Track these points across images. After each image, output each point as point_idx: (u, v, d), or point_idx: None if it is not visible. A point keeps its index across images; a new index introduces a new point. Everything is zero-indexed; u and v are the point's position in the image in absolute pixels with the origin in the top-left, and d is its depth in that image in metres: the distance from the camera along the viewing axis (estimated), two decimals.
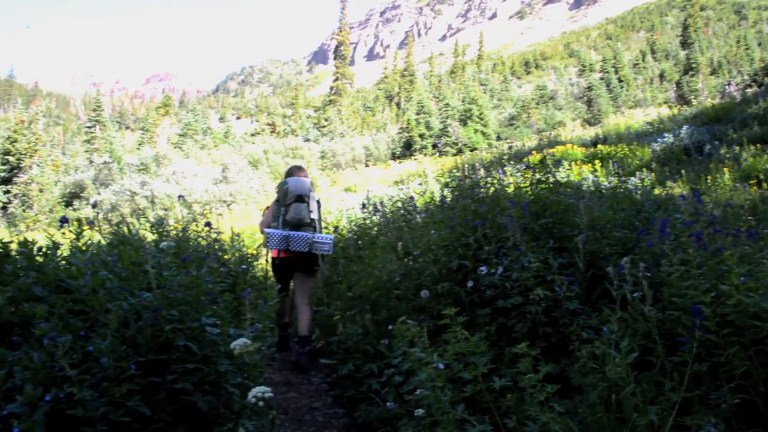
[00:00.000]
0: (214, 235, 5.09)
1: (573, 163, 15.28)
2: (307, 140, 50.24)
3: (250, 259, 6.45)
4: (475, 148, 38.23)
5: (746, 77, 43.66)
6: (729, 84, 41.54)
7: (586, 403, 2.83)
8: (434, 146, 42.41)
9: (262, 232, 6.31)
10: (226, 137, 59.04)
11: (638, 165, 14.70)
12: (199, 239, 5.06)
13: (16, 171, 33.01)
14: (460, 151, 38.42)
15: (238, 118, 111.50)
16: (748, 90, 33.74)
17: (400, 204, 7.42)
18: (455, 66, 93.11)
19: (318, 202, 6.46)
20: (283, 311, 6.52)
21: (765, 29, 75.13)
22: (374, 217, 8.30)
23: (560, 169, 10.86)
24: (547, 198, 4.58)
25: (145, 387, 2.70)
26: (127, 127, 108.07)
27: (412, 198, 7.36)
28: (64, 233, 3.57)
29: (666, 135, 17.49)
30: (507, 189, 5.06)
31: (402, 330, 3.19)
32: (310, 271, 6.28)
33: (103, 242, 4.32)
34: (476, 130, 41.77)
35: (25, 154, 33.17)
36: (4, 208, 31.42)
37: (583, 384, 2.93)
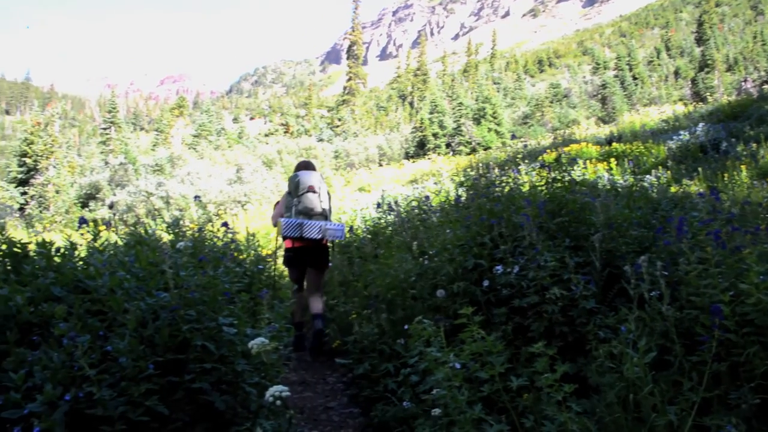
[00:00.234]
0: (230, 236, 5.11)
1: (588, 161, 15.19)
2: (321, 140, 50.32)
3: (267, 260, 6.47)
4: (489, 147, 38.09)
5: (763, 73, 43.28)
6: (745, 80, 41.11)
7: (604, 403, 2.82)
8: (448, 145, 42.30)
9: (275, 224, 6.59)
10: (240, 138, 59.24)
11: (654, 163, 14.58)
12: (215, 239, 5.08)
13: (32, 172, 33.30)
14: (473, 150, 38.32)
15: (251, 118, 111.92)
16: (765, 86, 33.39)
17: (415, 203, 7.45)
18: (468, 65, 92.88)
19: (328, 193, 6.67)
20: (297, 310, 6.57)
21: None
22: (389, 217, 8.32)
23: (575, 167, 10.81)
24: (562, 197, 4.56)
25: (163, 386, 2.72)
26: (142, 129, 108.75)
27: (427, 197, 7.36)
28: (82, 234, 3.60)
29: (681, 133, 17.33)
30: (522, 188, 5.04)
31: (418, 329, 3.19)
32: (323, 264, 6.50)
33: (120, 243, 4.35)
34: (490, 129, 41.63)
35: (41, 156, 33.46)
36: (22, 209, 31.69)
37: (600, 383, 2.91)
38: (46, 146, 33.70)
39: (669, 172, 12.02)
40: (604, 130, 29.23)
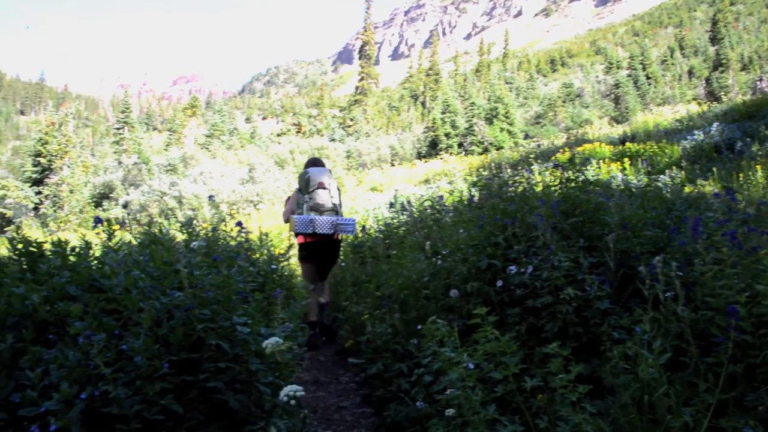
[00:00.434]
0: (243, 236, 5.13)
1: (601, 161, 15.14)
2: (333, 140, 50.37)
3: (279, 259, 6.50)
4: (501, 147, 38.01)
5: None
6: (760, 80, 40.76)
7: (618, 404, 2.80)
8: (460, 145, 42.24)
9: (286, 220, 6.90)
10: (253, 137, 59.46)
11: (667, 163, 14.51)
12: (229, 239, 5.10)
13: (47, 172, 33.54)
14: (486, 150, 38.24)
15: (264, 118, 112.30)
16: None
17: (428, 203, 7.46)
18: (480, 64, 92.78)
19: (338, 188, 6.92)
20: (312, 309, 6.62)
21: None
22: (402, 217, 8.33)
23: (589, 167, 10.77)
24: (576, 197, 4.54)
25: (177, 385, 2.73)
26: (155, 128, 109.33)
27: (441, 197, 7.37)
28: (98, 233, 3.62)
29: (696, 132, 17.22)
30: (535, 188, 5.03)
31: (432, 329, 3.19)
32: (333, 258, 6.86)
33: (134, 242, 4.37)
34: (502, 129, 41.53)
35: (55, 156, 33.68)
36: (36, 208, 31.93)
37: (614, 384, 2.90)
38: (61, 146, 33.92)
39: (683, 172, 11.96)
40: (618, 130, 29.10)
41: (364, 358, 4.99)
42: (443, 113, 46.25)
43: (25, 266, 3.32)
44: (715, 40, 57.24)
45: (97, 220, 3.64)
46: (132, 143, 46.36)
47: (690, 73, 60.82)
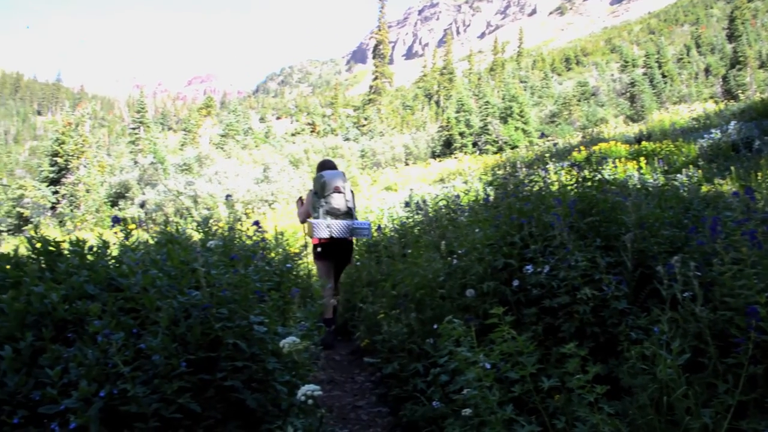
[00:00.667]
0: (259, 235, 5.14)
1: (617, 160, 15.06)
2: (347, 139, 50.48)
3: (295, 258, 6.53)
4: (516, 146, 37.91)
5: None
6: None
7: (636, 405, 2.78)
8: (474, 144, 42.19)
9: (302, 221, 7.23)
10: (267, 137, 59.63)
11: (684, 162, 14.40)
12: (245, 238, 5.12)
13: (64, 172, 33.82)
14: (500, 149, 38.17)
15: (278, 118, 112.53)
16: None
17: (444, 203, 7.47)
18: (495, 63, 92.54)
19: (351, 190, 7.05)
20: (327, 307, 6.70)
21: None
22: (417, 216, 8.33)
23: (605, 166, 10.71)
24: (593, 196, 4.52)
25: (195, 384, 2.74)
26: (170, 128, 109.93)
27: (457, 196, 7.37)
28: (116, 232, 3.65)
29: (713, 131, 17.08)
30: (551, 187, 5.01)
31: (448, 329, 3.18)
32: (347, 259, 7.11)
33: (151, 241, 4.40)
34: (517, 128, 41.42)
35: (72, 156, 33.96)
36: (53, 207, 32.21)
37: (632, 385, 2.88)
38: (77, 146, 34.19)
39: (700, 171, 11.87)
40: (633, 129, 28.93)
41: (379, 358, 4.99)
42: (457, 112, 46.19)
43: (43, 265, 3.35)
44: (732, 37, 56.80)
45: (115, 220, 3.66)
46: (147, 143, 46.68)
47: (707, 71, 60.31)
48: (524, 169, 6.08)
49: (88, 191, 33.34)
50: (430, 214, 7.47)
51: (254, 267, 3.75)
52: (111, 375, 2.53)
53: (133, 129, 52.08)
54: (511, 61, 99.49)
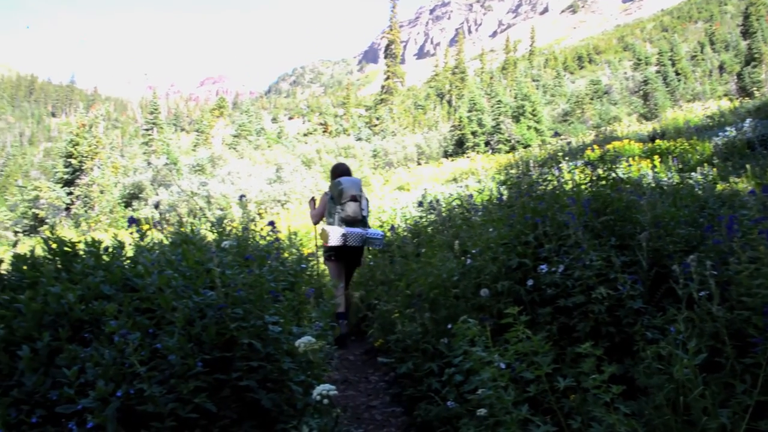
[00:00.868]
0: (273, 235, 5.15)
1: (631, 158, 14.98)
2: (359, 139, 50.52)
3: (308, 258, 6.55)
4: (529, 145, 37.80)
5: None
6: None
7: (652, 405, 2.77)
8: (487, 143, 42.10)
9: (315, 223, 7.46)
10: (279, 137, 59.75)
11: (699, 160, 14.29)
12: (259, 239, 5.13)
13: (78, 173, 34.08)
14: (513, 149, 38.08)
15: (290, 118, 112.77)
16: None
17: (458, 202, 7.48)
18: (507, 62, 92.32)
19: (367, 200, 7.26)
20: (340, 303, 6.86)
21: None
22: (430, 216, 8.34)
23: (619, 165, 10.67)
24: (607, 195, 4.50)
25: (210, 384, 2.75)
26: (183, 129, 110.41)
27: (471, 196, 7.37)
28: (131, 233, 3.66)
29: (728, 129, 16.95)
30: (565, 186, 4.99)
31: (463, 329, 3.18)
32: (357, 263, 7.31)
33: (165, 242, 4.42)
34: (529, 127, 41.30)
35: (86, 157, 34.21)
36: (68, 208, 32.46)
37: (648, 385, 2.86)
38: (91, 147, 34.43)
39: (715, 169, 11.77)
40: (647, 127, 28.77)
41: (393, 357, 4.99)
42: (470, 111, 46.10)
43: (60, 266, 3.37)
44: (747, 34, 56.22)
45: (132, 221, 3.69)
46: (161, 144, 46.91)
47: (721, 68, 59.84)
48: (537, 169, 6.06)
49: (102, 192, 33.58)
50: (444, 214, 7.48)
51: (269, 267, 3.76)
52: (127, 375, 2.55)
53: (146, 130, 52.37)
54: (523, 59, 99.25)
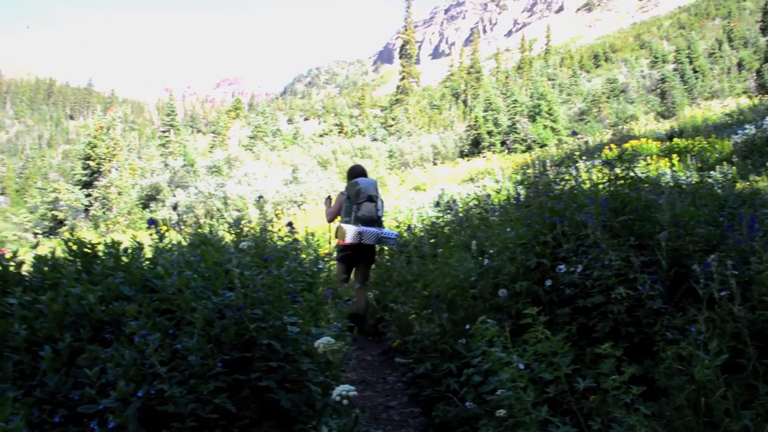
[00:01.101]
0: (291, 236, 5.17)
1: (648, 157, 14.87)
2: (375, 140, 50.51)
3: (325, 259, 6.58)
4: (545, 145, 37.61)
5: None
6: None
7: (673, 406, 2.75)
8: (503, 143, 41.96)
9: (329, 221, 7.71)
10: (295, 138, 59.89)
11: (718, 158, 14.15)
12: (277, 239, 5.14)
13: (96, 175, 34.38)
14: (529, 148, 37.92)
15: (306, 119, 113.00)
16: None
17: (475, 202, 7.49)
18: (522, 61, 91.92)
19: (382, 201, 7.46)
20: (360, 305, 7.03)
21: None
22: (447, 216, 8.35)
23: (637, 164, 10.58)
24: (626, 194, 4.47)
25: (230, 384, 2.77)
26: (199, 131, 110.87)
27: (488, 196, 7.37)
28: (151, 234, 3.69)
29: (747, 126, 16.76)
30: (583, 186, 4.96)
31: (481, 329, 3.17)
32: (371, 261, 7.42)
33: (184, 243, 4.44)
34: (545, 126, 41.09)
35: (104, 159, 34.50)
36: (86, 210, 32.75)
37: (669, 386, 2.84)
38: (109, 149, 34.72)
39: (734, 167, 11.65)
40: (664, 126, 28.52)
41: (411, 358, 4.99)
42: (485, 111, 45.93)
43: (80, 267, 3.40)
44: (766, 30, 55.58)
45: (151, 222, 3.71)
46: (177, 146, 47.23)
47: (739, 65, 59.26)
48: (554, 168, 6.03)
49: (119, 194, 33.85)
50: (460, 214, 7.47)
51: (287, 268, 3.77)
52: (148, 375, 2.57)
53: (163, 132, 52.75)
54: (539, 58, 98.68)
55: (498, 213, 6.22)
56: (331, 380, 3.12)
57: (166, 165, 38.07)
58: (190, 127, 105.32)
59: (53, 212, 31.74)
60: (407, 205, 17.43)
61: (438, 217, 9.17)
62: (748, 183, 8.20)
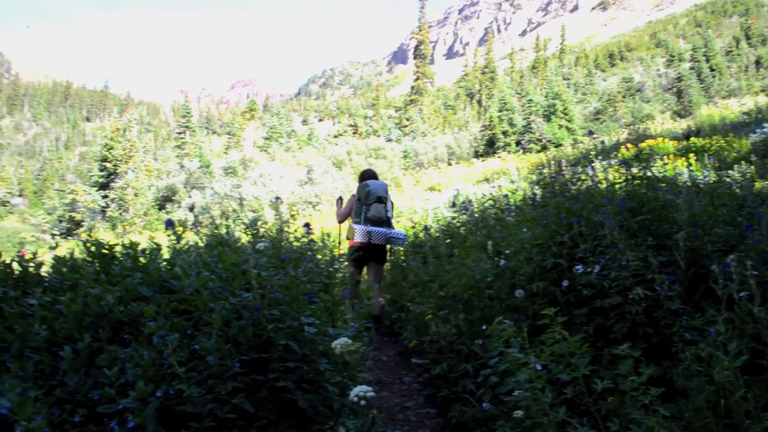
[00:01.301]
0: (308, 237, 5.18)
1: (665, 157, 14.76)
2: (389, 140, 50.50)
3: (341, 260, 6.59)
4: (560, 144, 37.45)
5: None
6: None
7: (692, 408, 2.73)
8: (518, 143, 41.82)
9: (340, 222, 8.09)
10: (310, 139, 60.05)
11: (736, 158, 14.01)
12: (293, 240, 5.15)
13: (112, 176, 34.70)
14: (544, 148, 37.77)
15: (320, 120, 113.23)
16: None
17: (491, 202, 7.52)
18: (537, 61, 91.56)
19: (392, 202, 7.70)
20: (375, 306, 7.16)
21: None
22: (462, 216, 8.36)
23: (653, 163, 10.51)
24: (643, 194, 4.44)
25: (248, 385, 2.79)
26: (214, 132, 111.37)
27: (506, 196, 7.37)
28: (168, 235, 3.71)
29: (765, 125, 16.62)
30: (600, 185, 4.94)
31: (498, 330, 3.16)
32: (383, 260, 7.61)
33: (201, 243, 4.47)
34: (561, 126, 40.91)
35: (120, 160, 34.80)
36: (103, 211, 33.02)
37: (688, 387, 2.82)
38: (125, 151, 35.00)
39: (753, 167, 11.53)
40: (681, 125, 28.31)
41: (427, 359, 4.98)
42: (500, 111, 45.81)
43: (98, 268, 3.43)
44: None
45: (169, 223, 3.73)
46: (193, 147, 47.49)
47: (758, 63, 58.67)
48: (570, 168, 6.00)
49: (136, 195, 34.12)
50: (476, 214, 7.47)
51: (303, 268, 3.78)
52: (166, 375, 2.59)
53: (179, 133, 53.08)
54: (554, 58, 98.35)
55: (514, 213, 6.20)
56: (348, 381, 3.13)
57: (182, 166, 38.28)
58: (206, 129, 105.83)
59: (71, 213, 32.03)
60: (422, 205, 17.42)
61: (453, 218, 9.18)
62: (767, 182, 8.11)
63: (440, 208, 14.47)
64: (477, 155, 42.39)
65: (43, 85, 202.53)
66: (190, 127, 51.73)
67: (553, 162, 6.18)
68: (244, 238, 5.13)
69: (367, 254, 7.36)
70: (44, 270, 3.43)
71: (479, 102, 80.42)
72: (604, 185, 4.93)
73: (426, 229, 8.72)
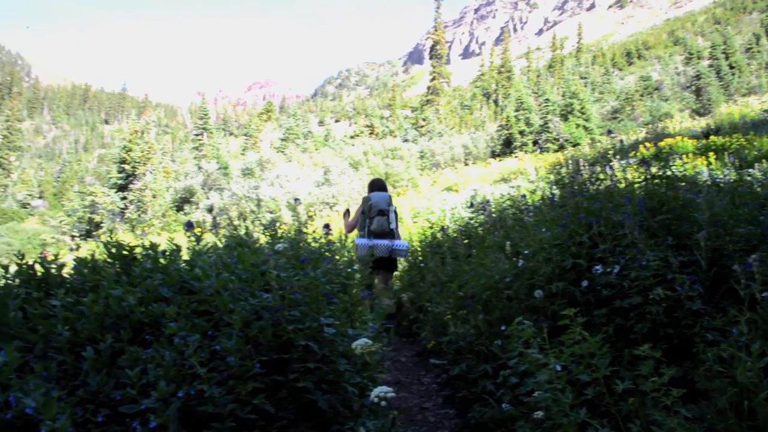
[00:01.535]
0: (327, 238, 5.19)
1: (684, 156, 14.63)
2: (406, 140, 50.44)
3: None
4: (578, 144, 37.23)
5: None
6: None
7: (714, 409, 2.70)
8: (535, 143, 41.62)
9: (348, 232, 8.22)
10: (326, 140, 60.14)
11: (757, 156, 13.86)
12: (311, 241, 5.17)
13: (131, 178, 34.97)
14: (561, 147, 37.56)
15: (336, 121, 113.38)
16: None
17: (509, 203, 7.51)
18: (553, 60, 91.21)
19: (395, 212, 7.87)
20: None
21: None
22: (480, 216, 8.35)
23: (673, 162, 10.43)
24: (663, 193, 4.41)
25: (268, 385, 2.80)
26: (231, 134, 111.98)
27: (524, 196, 7.34)
28: (190, 237, 3.74)
29: None
30: (619, 185, 4.90)
31: (517, 330, 3.16)
32: (392, 268, 7.89)
33: (220, 245, 4.49)
34: (578, 125, 40.66)
35: (139, 162, 35.07)
36: (122, 213, 33.31)
37: (709, 388, 2.80)
38: (143, 153, 35.28)
39: None
40: (700, 123, 28.06)
41: (446, 359, 4.98)
42: (517, 111, 45.60)
43: (119, 269, 3.46)
44: None
45: (189, 225, 3.76)
46: (210, 149, 47.74)
47: None
48: (588, 168, 5.97)
49: (154, 196, 34.38)
50: (494, 215, 7.45)
51: (323, 269, 3.79)
52: (188, 376, 2.61)
53: (196, 135, 53.36)
54: (570, 57, 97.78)
55: (532, 213, 6.18)
56: (368, 381, 3.13)
57: (200, 168, 38.53)
58: (223, 130, 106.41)
59: (90, 215, 32.34)
60: (440, 205, 17.40)
61: (471, 218, 9.17)
62: None
63: (458, 209, 14.44)
64: (494, 155, 42.25)
65: (62, 88, 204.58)
66: (207, 128, 52.00)
67: (571, 161, 6.14)
68: (263, 239, 5.15)
69: (376, 264, 7.41)
70: (66, 271, 3.47)
71: (496, 102, 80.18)
72: (623, 185, 4.90)
73: (444, 229, 8.73)
